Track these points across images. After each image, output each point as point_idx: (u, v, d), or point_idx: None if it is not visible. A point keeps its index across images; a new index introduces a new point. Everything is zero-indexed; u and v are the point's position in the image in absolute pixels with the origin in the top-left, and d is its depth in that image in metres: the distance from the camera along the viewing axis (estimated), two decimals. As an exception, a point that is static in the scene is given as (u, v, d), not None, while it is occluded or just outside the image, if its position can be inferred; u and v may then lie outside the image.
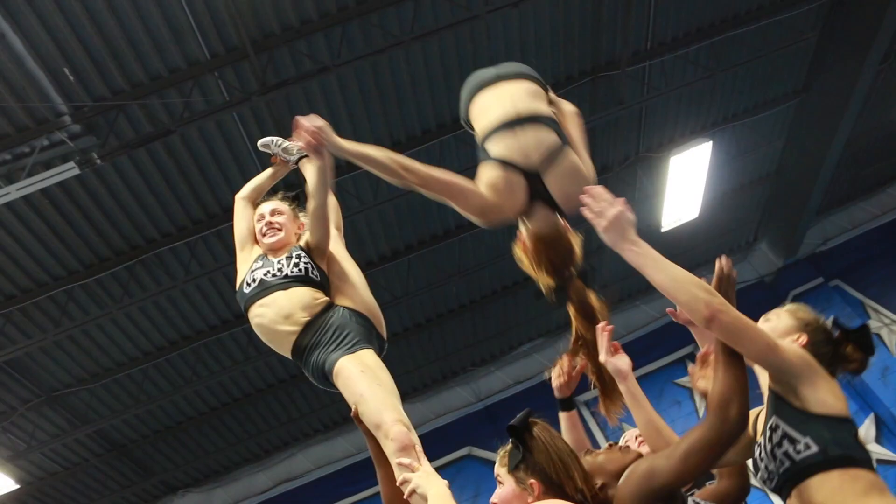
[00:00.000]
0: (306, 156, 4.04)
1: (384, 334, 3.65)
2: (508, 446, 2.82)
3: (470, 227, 10.22)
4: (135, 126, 7.58)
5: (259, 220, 3.92)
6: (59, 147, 7.38)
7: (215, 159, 8.20)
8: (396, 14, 7.66)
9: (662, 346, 11.87)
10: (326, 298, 3.60)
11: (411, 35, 7.50)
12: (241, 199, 4.15)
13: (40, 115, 7.23)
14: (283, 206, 3.99)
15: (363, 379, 3.19)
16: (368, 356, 3.32)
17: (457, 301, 11.41)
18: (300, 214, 4.01)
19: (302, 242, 3.81)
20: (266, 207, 3.97)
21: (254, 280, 3.64)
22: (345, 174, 8.76)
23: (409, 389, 12.68)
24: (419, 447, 3.06)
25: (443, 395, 12.79)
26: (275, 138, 4.25)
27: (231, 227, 9.27)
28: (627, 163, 10.39)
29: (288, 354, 3.58)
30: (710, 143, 9.86)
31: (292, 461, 12.61)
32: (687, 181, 10.17)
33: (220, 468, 12.58)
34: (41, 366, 9.60)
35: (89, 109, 7.27)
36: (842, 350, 2.63)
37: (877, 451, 10.75)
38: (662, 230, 11.09)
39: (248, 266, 3.78)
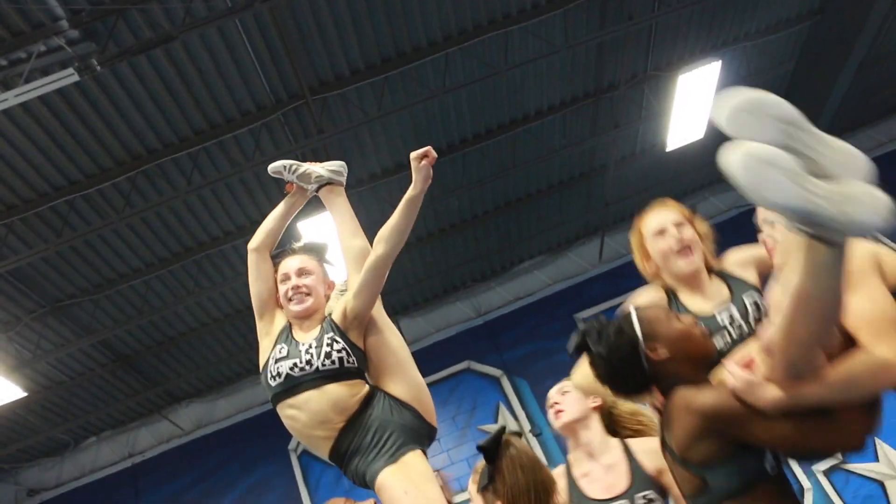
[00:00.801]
0: (329, 183, 3.53)
1: (434, 421, 3.15)
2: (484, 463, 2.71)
3: (474, 141, 10.13)
4: (135, 32, 7.42)
5: (283, 282, 3.36)
6: (57, 53, 7.23)
7: (217, 68, 8.05)
8: (403, -81, 7.43)
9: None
10: (365, 390, 3.11)
11: (418, -58, 7.28)
12: (253, 250, 3.50)
13: (36, 20, 7.06)
14: (312, 263, 3.42)
15: (406, 501, 2.80)
16: (414, 463, 2.92)
17: (459, 216, 11.38)
18: (328, 271, 3.51)
19: (335, 313, 3.25)
20: (291, 265, 3.38)
21: (279, 374, 3.10)
22: (348, 85, 8.65)
23: (410, 303, 12.79)
24: None
25: (443, 310, 12.91)
26: (288, 162, 3.50)
27: (234, 140, 9.21)
28: (635, 81, 10.23)
29: (326, 458, 3.16)
30: (720, 62, 9.67)
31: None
32: (694, 101, 10.02)
33: (223, 379, 12.78)
34: (44, 276, 9.64)
35: (87, 14, 7.09)
36: None
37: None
38: (667, 150, 10.99)
39: (271, 345, 3.25)
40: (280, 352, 3.14)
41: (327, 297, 3.40)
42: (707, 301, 2.90)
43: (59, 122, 7.98)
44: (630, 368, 2.46)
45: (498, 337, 12.33)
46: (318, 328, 3.18)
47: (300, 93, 8.37)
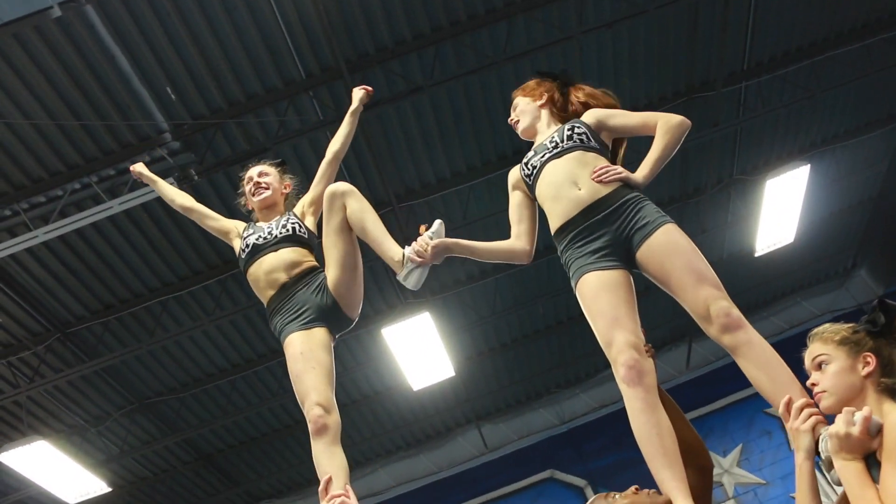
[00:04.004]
0: None
1: (353, 315, 3.77)
2: None
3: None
4: (231, 143, 7.77)
5: (248, 183, 4.12)
6: (159, 163, 7.62)
7: (308, 177, 8.24)
8: (489, 34, 7.67)
9: (752, 374, 11.46)
10: (310, 262, 3.84)
11: (504, 56, 7.49)
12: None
13: (143, 133, 7.49)
14: (270, 169, 4.18)
15: (300, 360, 3.50)
16: (318, 334, 3.61)
17: (543, 322, 11.30)
18: (286, 176, 4.26)
19: (297, 209, 4.05)
20: (254, 171, 4.14)
21: (247, 245, 3.87)
22: (434, 193, 8.82)
23: (493, 410, 12.62)
24: (334, 431, 3.39)
25: (526, 417, 12.68)
26: None
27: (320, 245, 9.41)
28: (720, 185, 10.13)
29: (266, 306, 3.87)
30: (808, 166, 9.52)
31: (374, 477, 12.67)
32: (783, 205, 9.84)
33: (302, 481, 12.72)
34: (135, 373, 9.90)
35: (189, 127, 7.49)
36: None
37: None
38: (756, 255, 10.77)
39: (241, 235, 4.01)
40: (247, 232, 3.93)
41: (285, 196, 4.14)
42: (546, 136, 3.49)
43: (158, 228, 8.34)
44: None
45: (582, 445, 12.01)
46: (278, 217, 3.97)
47: (387, 200, 8.56)
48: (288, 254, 3.80)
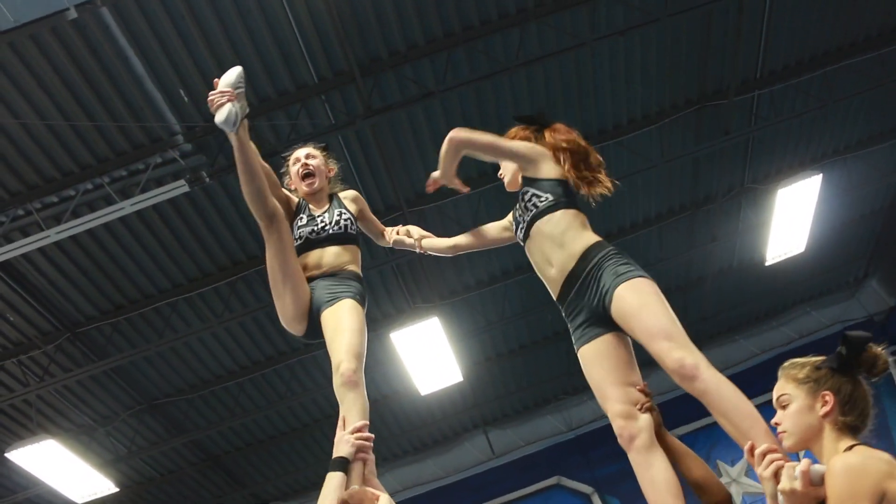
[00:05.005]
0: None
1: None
2: None
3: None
4: (243, 146, 7.78)
5: (294, 164, 4.15)
6: (171, 165, 7.66)
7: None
8: (502, 40, 7.67)
9: (760, 383, 11.40)
10: (350, 266, 3.95)
11: (516, 62, 7.48)
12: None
13: (155, 134, 7.52)
14: (316, 151, 4.21)
15: (341, 323, 3.63)
16: (350, 302, 3.74)
17: (551, 328, 11.27)
18: (330, 161, 4.28)
19: (346, 200, 4.12)
20: (301, 152, 4.18)
21: (300, 237, 3.95)
22: (445, 198, 8.82)
23: (500, 415, 12.60)
24: (359, 381, 3.53)
25: (533, 423, 12.66)
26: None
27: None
28: (732, 194, 10.10)
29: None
30: (820, 175, 9.48)
31: (380, 481, 12.55)
32: (794, 214, 9.80)
33: (309, 484, 12.71)
34: (144, 374, 9.93)
35: (201, 129, 7.51)
36: (859, 364, 2.53)
37: None
38: (767, 264, 10.72)
39: (294, 217, 4.07)
40: (300, 221, 4.00)
41: (329, 179, 4.20)
42: None
43: (168, 229, 8.36)
44: None
45: (589, 452, 11.97)
46: (328, 204, 4.09)
47: (397, 204, 8.57)
48: (332, 253, 3.95)
